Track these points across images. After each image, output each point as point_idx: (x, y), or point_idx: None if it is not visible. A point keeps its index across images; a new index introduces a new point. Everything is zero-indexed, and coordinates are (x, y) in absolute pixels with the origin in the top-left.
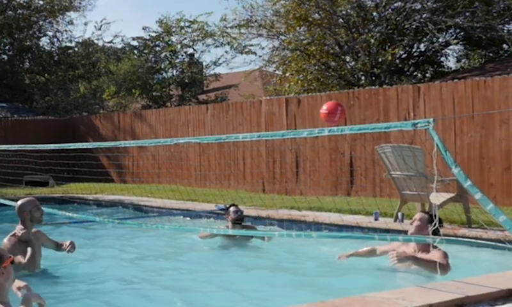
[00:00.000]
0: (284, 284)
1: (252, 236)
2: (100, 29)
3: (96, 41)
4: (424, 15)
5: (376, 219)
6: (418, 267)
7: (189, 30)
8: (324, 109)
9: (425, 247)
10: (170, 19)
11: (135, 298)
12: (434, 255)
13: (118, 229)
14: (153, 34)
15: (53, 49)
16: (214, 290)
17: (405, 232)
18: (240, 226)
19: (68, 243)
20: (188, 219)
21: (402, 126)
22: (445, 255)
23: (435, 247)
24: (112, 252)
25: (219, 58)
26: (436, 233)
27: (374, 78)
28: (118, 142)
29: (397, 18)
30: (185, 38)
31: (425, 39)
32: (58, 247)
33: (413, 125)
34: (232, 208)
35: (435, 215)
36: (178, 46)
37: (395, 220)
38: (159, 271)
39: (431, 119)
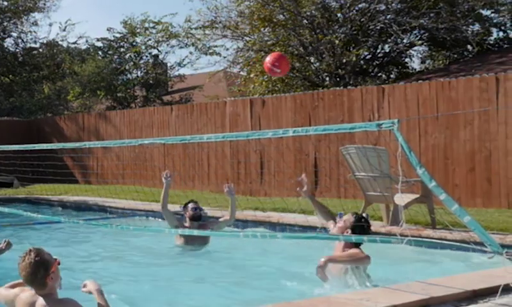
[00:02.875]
0: (240, 288)
1: (209, 240)
2: (64, 29)
3: (60, 42)
4: (388, 16)
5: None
6: (344, 264)
7: (154, 31)
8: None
9: (349, 246)
10: (135, 20)
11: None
12: (351, 251)
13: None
14: (118, 35)
15: (17, 50)
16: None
17: (370, 233)
18: (197, 224)
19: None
20: (152, 219)
21: (367, 127)
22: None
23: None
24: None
25: (184, 59)
26: (357, 232)
27: (338, 79)
28: (83, 142)
29: (362, 19)
30: (149, 39)
31: (389, 40)
32: None
33: (377, 126)
34: (190, 204)
35: (401, 216)
36: (143, 47)
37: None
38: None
39: (396, 120)
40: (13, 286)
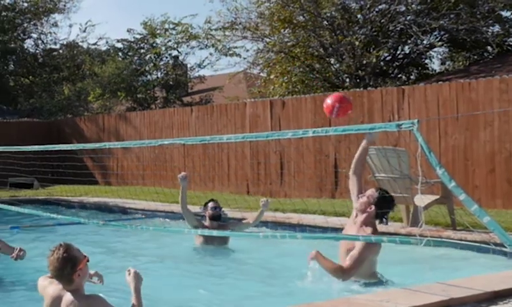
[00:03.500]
0: (260, 289)
1: (228, 240)
2: (84, 31)
3: (80, 44)
4: (408, 17)
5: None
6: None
7: (174, 32)
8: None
9: (367, 220)
10: (155, 21)
11: None
12: (357, 243)
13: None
14: (138, 36)
15: (37, 51)
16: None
17: (389, 234)
18: (217, 224)
19: (16, 250)
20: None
21: (387, 127)
22: (364, 249)
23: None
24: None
25: (204, 60)
26: (380, 216)
27: (358, 80)
28: (103, 143)
29: (382, 21)
30: (169, 40)
31: (409, 41)
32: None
33: (397, 126)
34: (210, 204)
35: (421, 217)
36: (163, 48)
37: (379, 223)
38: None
39: (415, 121)
40: (50, 277)
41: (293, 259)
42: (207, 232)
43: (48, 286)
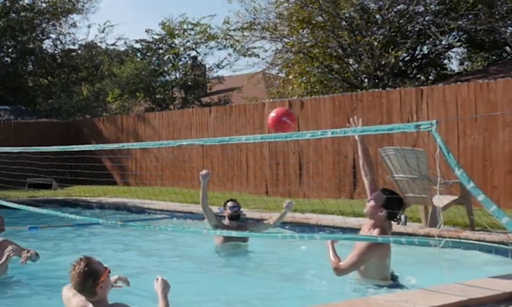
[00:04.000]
0: (277, 288)
1: (248, 240)
2: (103, 31)
3: (99, 44)
4: (427, 18)
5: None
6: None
7: (192, 32)
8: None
9: (377, 224)
10: (173, 22)
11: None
12: (357, 244)
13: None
14: (156, 37)
15: (56, 52)
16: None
17: (408, 235)
18: (236, 223)
19: (24, 252)
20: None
21: (405, 128)
22: (363, 251)
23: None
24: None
25: (222, 61)
26: (392, 216)
27: (377, 80)
28: (121, 144)
29: (400, 21)
30: (188, 41)
31: (428, 41)
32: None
33: (416, 127)
34: (229, 203)
35: (439, 218)
36: (181, 48)
37: (398, 223)
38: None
39: (434, 121)
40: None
41: (310, 260)
42: (225, 233)
43: (72, 298)
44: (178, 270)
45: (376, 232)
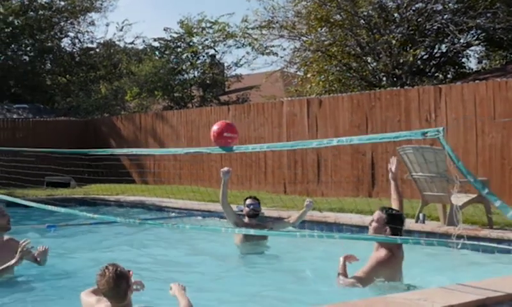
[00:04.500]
0: (296, 287)
1: (267, 238)
2: (121, 30)
3: (117, 42)
4: (445, 16)
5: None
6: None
7: (211, 31)
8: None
9: (383, 245)
10: (191, 20)
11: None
12: (369, 259)
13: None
14: (175, 35)
15: (74, 50)
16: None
17: (426, 233)
18: (256, 221)
19: (40, 249)
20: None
21: (412, 135)
22: (372, 266)
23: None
24: (117, 255)
25: (241, 59)
26: (396, 233)
27: (395, 79)
28: (130, 149)
29: (419, 19)
30: (206, 39)
31: (446, 40)
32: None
33: (422, 134)
34: (247, 201)
35: (456, 217)
36: (200, 47)
37: (416, 221)
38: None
39: (441, 129)
40: (94, 292)
41: (329, 259)
42: (244, 230)
43: (96, 305)
44: (197, 269)
45: (383, 251)
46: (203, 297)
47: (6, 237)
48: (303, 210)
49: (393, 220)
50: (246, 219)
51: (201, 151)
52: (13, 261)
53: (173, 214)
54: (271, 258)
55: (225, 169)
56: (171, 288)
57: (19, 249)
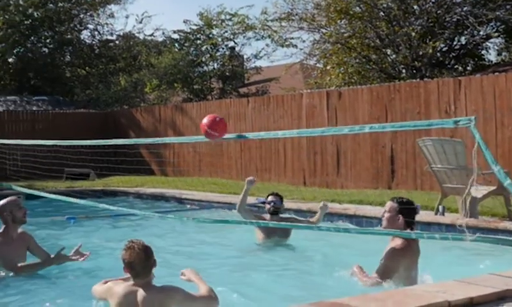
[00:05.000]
0: (317, 281)
1: (290, 234)
2: (141, 22)
3: (137, 35)
4: (464, 8)
5: (417, 213)
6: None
7: (230, 23)
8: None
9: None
10: (211, 12)
11: None
12: (385, 251)
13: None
14: (194, 27)
15: (94, 42)
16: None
17: (446, 225)
18: (278, 217)
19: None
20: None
21: (444, 123)
22: (391, 256)
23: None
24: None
25: (260, 51)
26: (410, 224)
27: (414, 71)
28: (154, 138)
29: (438, 11)
30: (226, 31)
31: (466, 32)
32: (47, 260)
33: (454, 123)
34: (269, 197)
35: (476, 209)
36: (219, 39)
37: (436, 214)
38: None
39: (473, 117)
40: (105, 282)
41: (350, 253)
42: (262, 223)
43: (114, 287)
44: (218, 265)
45: (399, 240)
46: (224, 286)
47: (20, 230)
48: (319, 212)
49: (405, 209)
50: (268, 217)
51: (229, 139)
52: (46, 263)
53: (188, 206)
54: (293, 254)
55: (251, 178)
56: (182, 274)
57: (56, 255)
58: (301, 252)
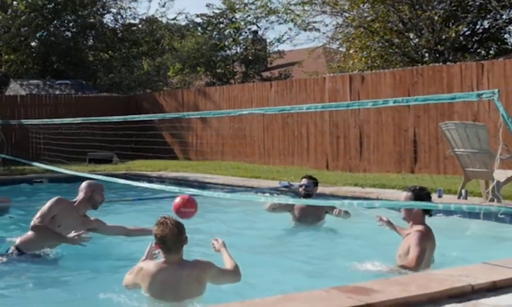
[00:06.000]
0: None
1: (323, 218)
2: (164, 6)
3: (160, 19)
4: None
5: (440, 196)
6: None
7: (253, 7)
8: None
9: (417, 220)
10: None
11: None
12: (410, 237)
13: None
14: (217, 11)
15: (117, 26)
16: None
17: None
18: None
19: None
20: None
21: (467, 97)
22: (420, 240)
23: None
24: None
25: (283, 35)
26: (427, 210)
27: (437, 55)
28: (181, 113)
29: None
30: (249, 15)
31: (488, 16)
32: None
33: (477, 96)
34: (303, 180)
35: (499, 192)
36: (242, 23)
37: (458, 197)
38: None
39: (496, 90)
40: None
41: (378, 238)
42: (291, 201)
43: (145, 266)
44: (251, 248)
45: (421, 227)
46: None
47: (87, 213)
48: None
49: (420, 197)
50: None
51: (253, 112)
52: (68, 238)
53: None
54: (322, 238)
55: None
56: (214, 243)
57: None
58: (330, 237)
